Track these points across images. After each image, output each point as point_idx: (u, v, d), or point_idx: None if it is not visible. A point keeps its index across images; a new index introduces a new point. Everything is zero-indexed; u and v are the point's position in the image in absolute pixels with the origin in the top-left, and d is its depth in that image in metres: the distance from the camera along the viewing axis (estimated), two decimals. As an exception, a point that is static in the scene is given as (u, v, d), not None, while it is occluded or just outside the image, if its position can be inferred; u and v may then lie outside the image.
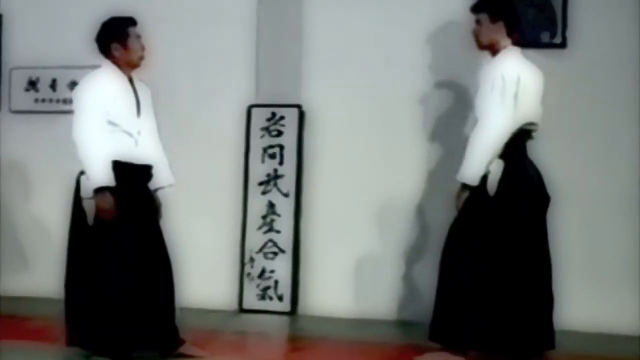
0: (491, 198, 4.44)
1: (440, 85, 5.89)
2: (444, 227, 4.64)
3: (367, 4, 6.01)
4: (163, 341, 4.63)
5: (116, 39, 4.61)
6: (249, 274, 6.04)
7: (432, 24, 5.86)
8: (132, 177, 4.55)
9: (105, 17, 4.68)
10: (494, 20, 4.59)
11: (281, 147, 6.09)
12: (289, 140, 6.09)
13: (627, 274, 5.62)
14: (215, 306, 6.03)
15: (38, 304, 6.15)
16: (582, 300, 5.63)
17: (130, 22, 4.67)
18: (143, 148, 4.60)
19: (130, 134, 4.54)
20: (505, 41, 4.61)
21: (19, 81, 6.60)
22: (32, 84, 6.58)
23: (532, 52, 5.74)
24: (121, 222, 4.45)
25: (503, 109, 4.42)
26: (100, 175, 4.41)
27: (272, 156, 6.11)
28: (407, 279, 5.86)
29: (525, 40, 5.74)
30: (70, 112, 4.65)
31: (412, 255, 5.88)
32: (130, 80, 4.65)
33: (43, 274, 6.17)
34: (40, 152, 6.48)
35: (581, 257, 5.70)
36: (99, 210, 4.43)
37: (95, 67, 4.68)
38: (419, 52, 5.88)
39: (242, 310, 6.04)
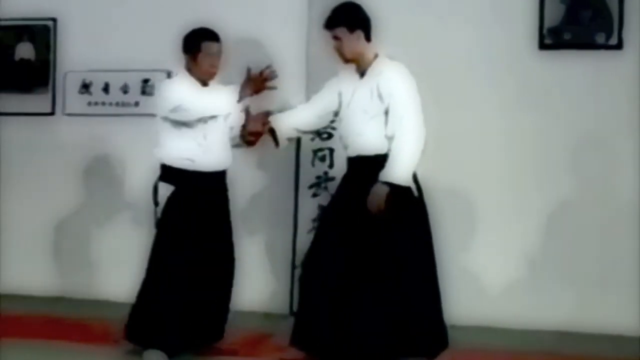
0: (417, 199, 4.49)
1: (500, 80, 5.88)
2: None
3: (421, 5, 5.98)
4: (207, 340, 4.84)
5: (188, 51, 4.75)
6: (300, 277, 6.03)
7: (497, 21, 5.86)
8: (205, 181, 4.72)
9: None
10: (352, 31, 4.53)
11: (331, 150, 6.07)
12: (339, 143, 6.05)
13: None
14: (266, 309, 6.04)
15: (99, 307, 6.22)
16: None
17: (207, 37, 4.75)
18: (213, 154, 4.76)
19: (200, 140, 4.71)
20: (370, 49, 4.57)
21: (72, 84, 6.66)
22: (86, 87, 6.63)
23: (587, 53, 5.73)
24: (192, 225, 4.67)
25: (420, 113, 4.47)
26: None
27: (322, 159, 6.10)
28: (458, 277, 5.81)
29: (581, 41, 5.72)
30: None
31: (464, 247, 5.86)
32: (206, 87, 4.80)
33: (105, 277, 6.33)
34: (94, 156, 6.55)
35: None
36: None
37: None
38: (472, 48, 5.88)
39: (293, 313, 6.02)
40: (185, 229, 4.67)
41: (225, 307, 4.91)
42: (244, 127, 4.80)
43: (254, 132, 4.77)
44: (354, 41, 4.54)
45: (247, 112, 4.77)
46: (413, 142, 4.40)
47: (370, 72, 4.55)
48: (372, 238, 4.41)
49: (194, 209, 4.68)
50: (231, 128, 4.86)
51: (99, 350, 4.91)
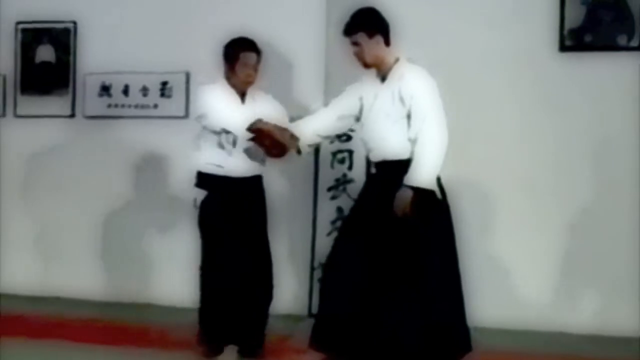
0: (440, 202, 4.47)
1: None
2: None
3: (442, 7, 5.97)
4: (246, 344, 4.92)
5: (227, 59, 4.84)
6: (319, 280, 6.02)
7: (517, 23, 5.84)
8: (236, 186, 4.79)
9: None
10: (371, 36, 4.51)
11: (350, 152, 6.06)
12: (358, 144, 6.04)
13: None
14: (285, 311, 6.03)
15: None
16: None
17: (246, 47, 4.83)
18: (243, 160, 4.83)
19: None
20: (390, 53, 4.55)
21: (92, 87, 6.69)
22: (105, 89, 6.65)
23: (608, 55, 5.69)
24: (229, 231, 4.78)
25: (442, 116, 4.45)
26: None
27: (341, 161, 6.09)
28: (480, 280, 5.78)
29: (602, 43, 5.68)
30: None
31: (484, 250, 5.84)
32: (243, 96, 4.87)
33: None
34: (113, 158, 6.58)
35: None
36: None
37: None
38: (492, 50, 5.87)
39: (311, 315, 6.02)
40: (214, 233, 4.79)
41: (262, 314, 5.01)
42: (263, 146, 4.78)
43: (276, 155, 4.80)
44: (373, 46, 4.53)
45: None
46: (436, 145, 4.38)
47: (391, 77, 4.53)
48: (396, 241, 4.40)
49: (223, 214, 4.77)
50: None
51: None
